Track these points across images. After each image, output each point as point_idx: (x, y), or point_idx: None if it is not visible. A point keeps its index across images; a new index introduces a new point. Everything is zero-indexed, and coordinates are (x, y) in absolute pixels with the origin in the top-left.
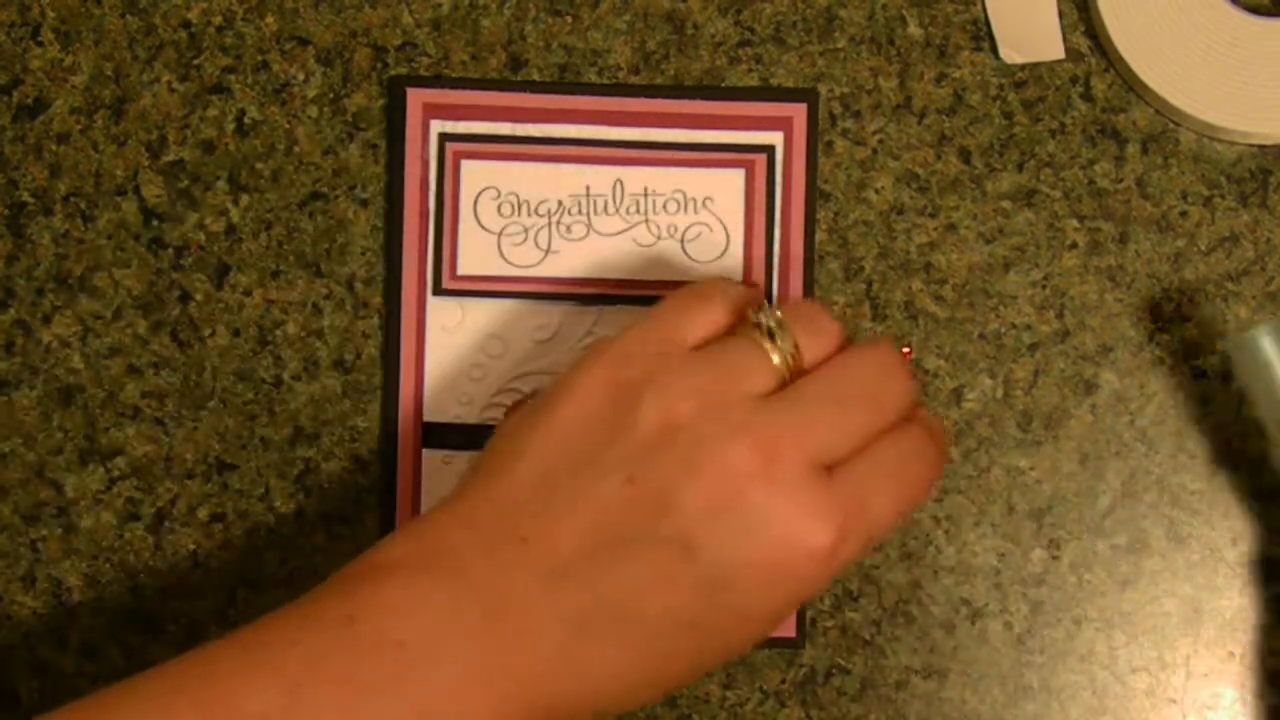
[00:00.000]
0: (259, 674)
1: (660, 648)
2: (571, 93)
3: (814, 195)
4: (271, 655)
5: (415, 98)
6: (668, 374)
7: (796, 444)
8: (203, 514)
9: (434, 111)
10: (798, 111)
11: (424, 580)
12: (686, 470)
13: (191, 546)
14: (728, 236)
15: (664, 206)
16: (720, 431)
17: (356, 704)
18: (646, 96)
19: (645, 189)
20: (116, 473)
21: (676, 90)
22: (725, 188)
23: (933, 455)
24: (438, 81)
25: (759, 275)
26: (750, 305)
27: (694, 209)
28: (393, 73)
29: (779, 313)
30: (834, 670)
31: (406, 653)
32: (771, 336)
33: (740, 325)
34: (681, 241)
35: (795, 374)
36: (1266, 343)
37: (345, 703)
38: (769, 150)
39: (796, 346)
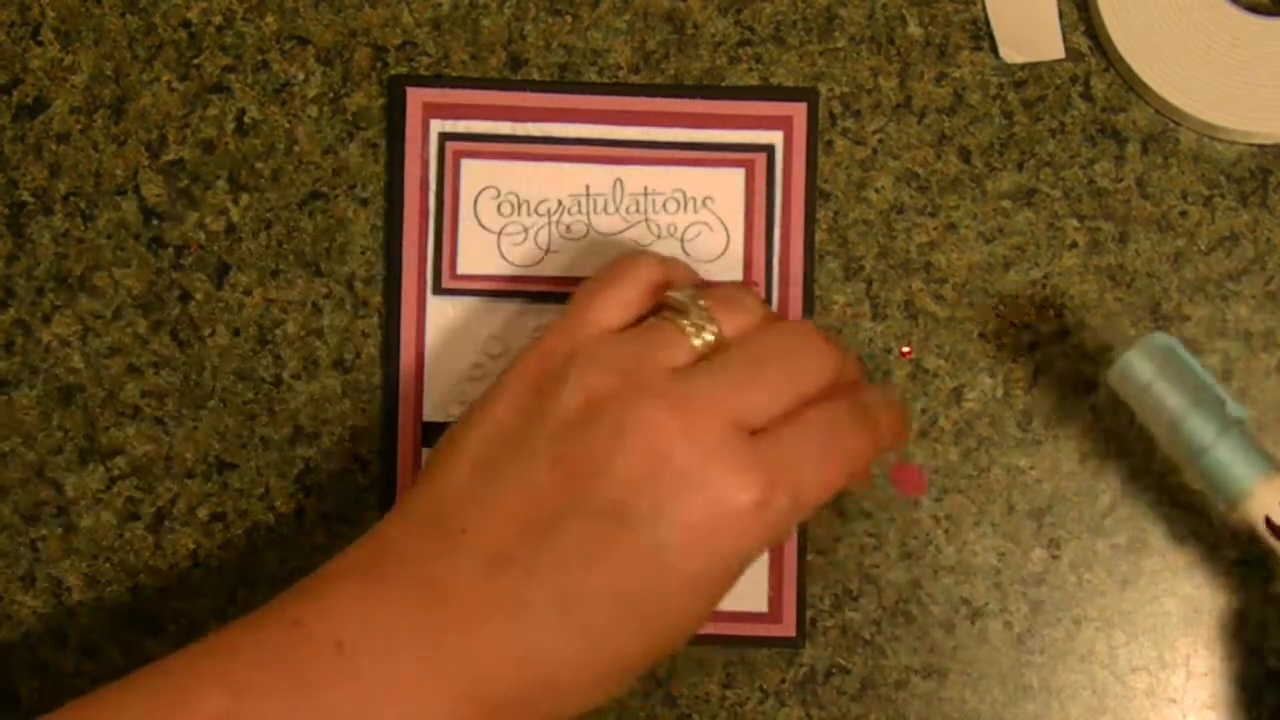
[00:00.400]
0: (205, 680)
1: (607, 626)
2: (571, 92)
3: (814, 194)
4: (218, 662)
5: (415, 97)
6: (587, 356)
7: (715, 406)
8: (203, 514)
9: (434, 111)
10: (798, 111)
11: (368, 582)
12: (611, 441)
13: (191, 546)
14: (728, 236)
15: (664, 206)
16: (640, 400)
17: (298, 704)
18: (646, 95)
19: (645, 188)
20: (116, 472)
21: (676, 89)
22: (725, 187)
23: (868, 428)
24: (438, 81)
25: (759, 274)
26: (669, 279)
27: (694, 208)
28: (393, 72)
29: (697, 291)
30: (834, 670)
31: (345, 652)
32: (687, 313)
33: (661, 306)
34: (681, 241)
35: (715, 350)
36: (1140, 366)
37: (287, 704)
38: (769, 150)
39: (715, 323)
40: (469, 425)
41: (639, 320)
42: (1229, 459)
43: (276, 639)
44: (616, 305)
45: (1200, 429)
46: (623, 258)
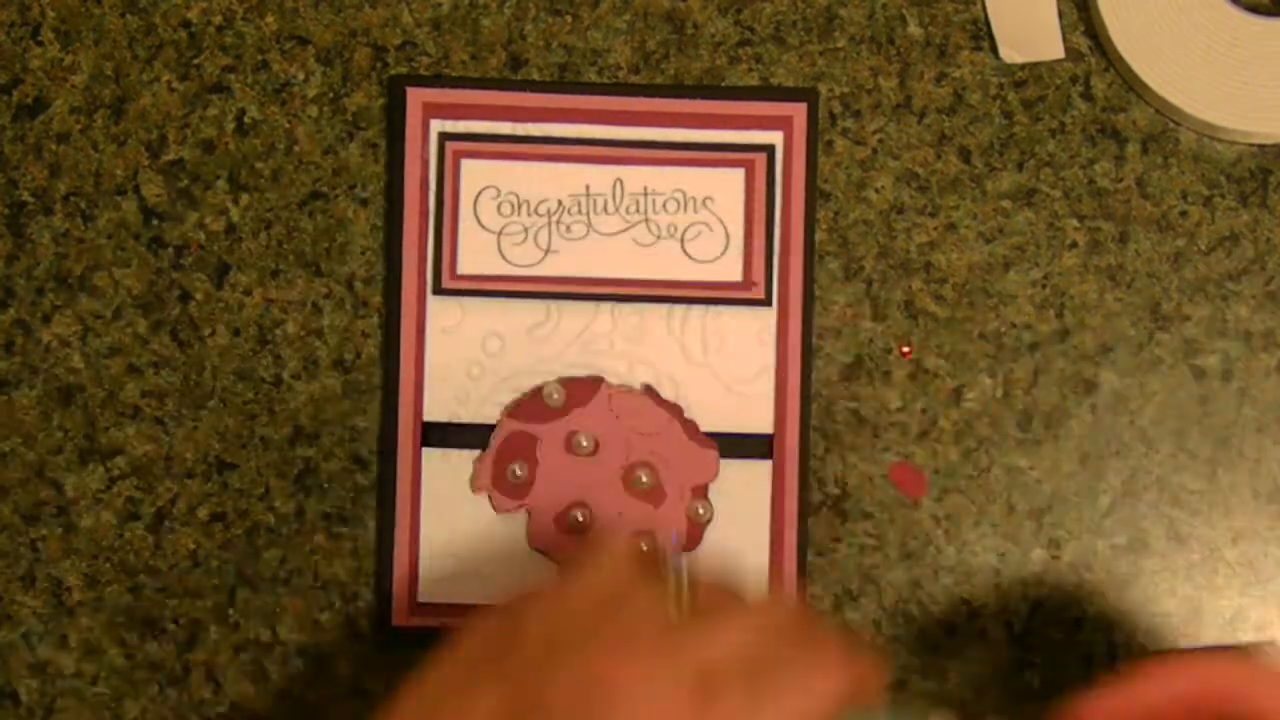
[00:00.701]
0: None
1: None
2: (571, 92)
3: (814, 194)
4: None
5: (415, 97)
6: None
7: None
8: (203, 514)
9: (434, 111)
10: (797, 111)
11: None
12: (559, 670)
13: (191, 546)
14: (727, 235)
15: (664, 206)
16: (607, 643)
17: None
18: (646, 96)
19: (645, 188)
20: (116, 472)
21: (676, 89)
22: (725, 187)
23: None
24: (438, 81)
25: (759, 274)
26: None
27: (694, 208)
28: (393, 72)
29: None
30: None
31: None
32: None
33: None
34: (681, 241)
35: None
36: None
37: None
38: (769, 149)
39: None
40: (435, 661)
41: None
42: None
43: None
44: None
45: None
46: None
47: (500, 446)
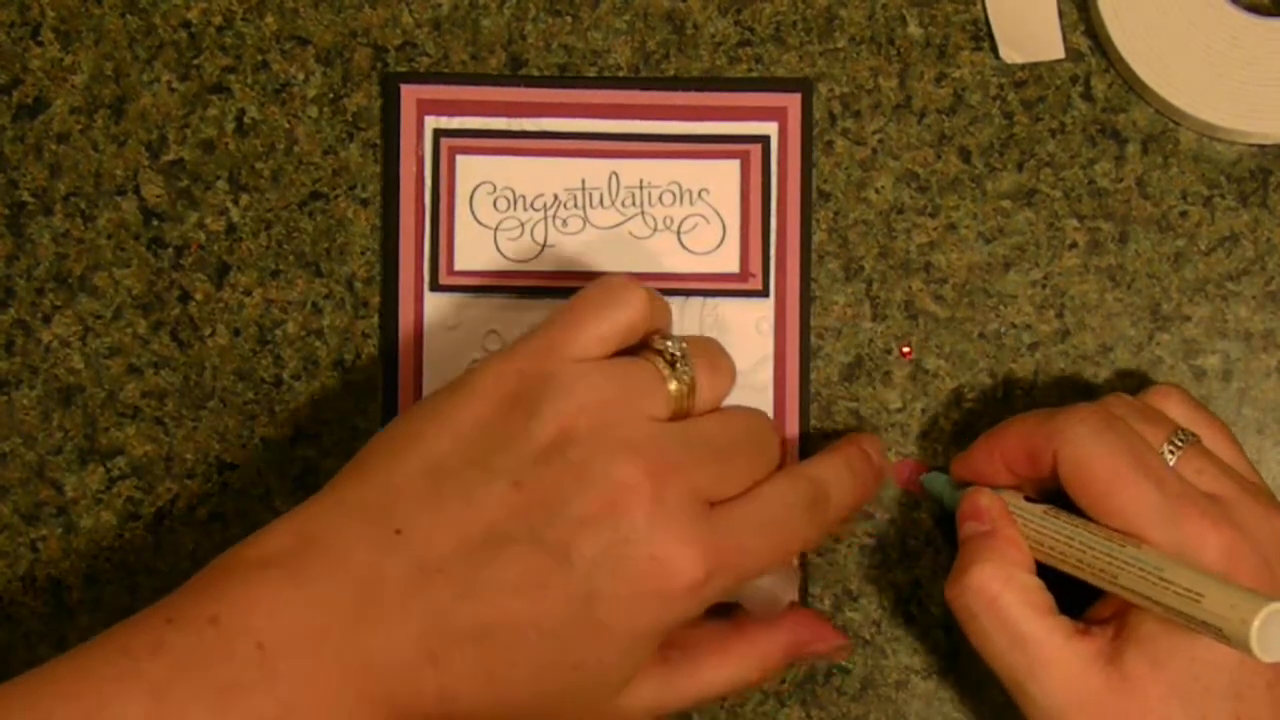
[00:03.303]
0: (126, 683)
1: (517, 655)
2: (565, 86)
3: (810, 184)
4: (139, 661)
5: (410, 94)
6: (563, 387)
7: (685, 474)
8: (202, 514)
9: (428, 108)
10: (792, 101)
11: (290, 577)
12: (575, 480)
13: (191, 546)
14: (724, 227)
15: (660, 198)
16: (613, 448)
17: (219, 707)
18: (641, 89)
19: (641, 181)
20: (116, 472)
21: (670, 82)
22: (721, 178)
23: (819, 512)
24: (432, 78)
25: (755, 265)
26: (653, 318)
27: (690, 200)
28: (392, 72)
29: (684, 343)
30: (834, 670)
31: (265, 654)
32: (674, 364)
33: (645, 348)
34: (678, 233)
35: (690, 405)
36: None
37: (209, 705)
38: (764, 140)
39: (694, 379)
40: (429, 419)
41: (618, 352)
42: None
43: (197, 638)
44: (598, 337)
45: None
46: (611, 282)
47: None
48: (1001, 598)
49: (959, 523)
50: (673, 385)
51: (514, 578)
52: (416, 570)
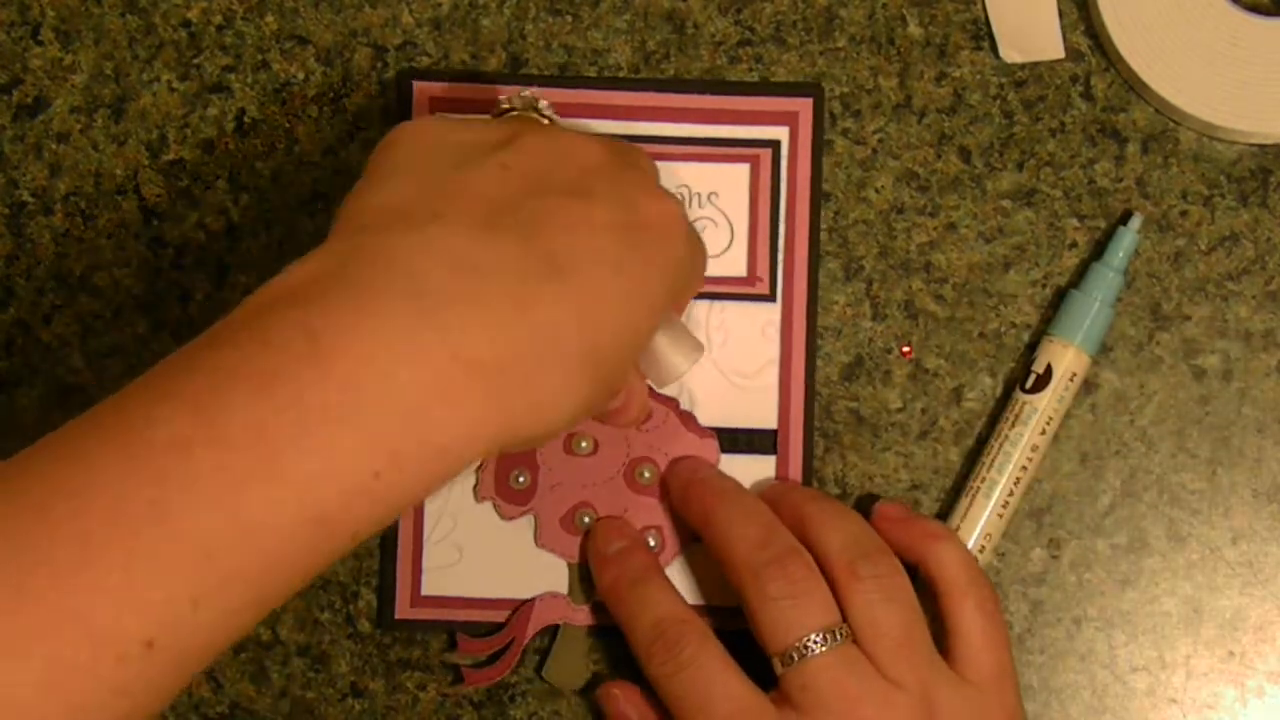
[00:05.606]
0: (165, 399)
1: (594, 293)
2: (576, 87)
3: (819, 190)
4: (177, 379)
5: (422, 91)
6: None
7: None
8: None
9: (440, 105)
10: (803, 106)
11: (336, 283)
12: (552, 156)
13: None
14: (732, 231)
15: None
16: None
17: (265, 405)
18: (652, 91)
19: None
20: None
21: (682, 84)
22: (730, 182)
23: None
24: (444, 75)
25: (763, 269)
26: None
27: (699, 203)
28: (395, 70)
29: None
30: None
31: (319, 343)
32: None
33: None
34: None
35: None
36: None
37: (254, 410)
38: (774, 145)
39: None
40: (390, 151)
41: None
42: None
43: (238, 349)
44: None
45: None
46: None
47: (501, 455)
48: None
49: None
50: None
51: (558, 222)
52: (479, 230)
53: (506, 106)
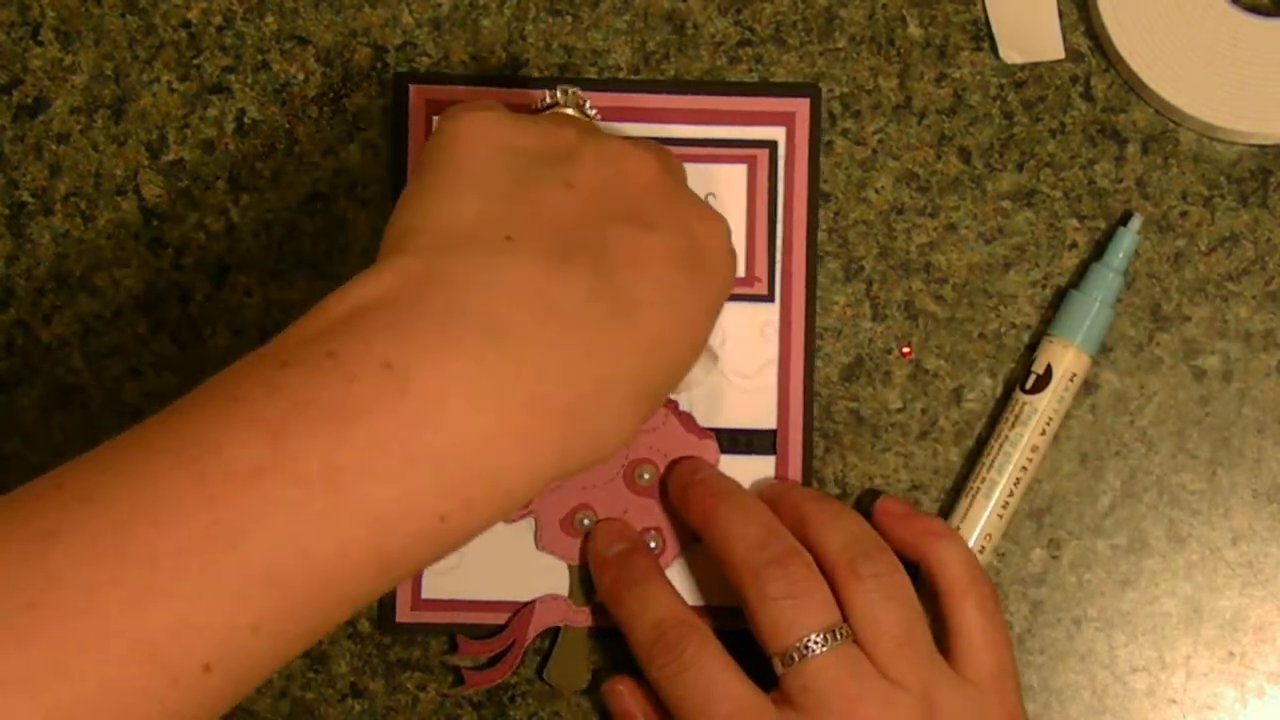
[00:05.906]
0: (241, 427)
1: (656, 333)
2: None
3: (817, 189)
4: (251, 405)
5: (419, 94)
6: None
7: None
8: None
9: (437, 108)
10: (800, 106)
11: (406, 309)
12: (609, 168)
13: None
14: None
15: None
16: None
17: (343, 435)
18: (649, 92)
19: None
20: None
21: (679, 85)
22: (728, 183)
23: None
24: (441, 78)
25: (761, 270)
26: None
27: None
28: (393, 72)
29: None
30: None
31: (394, 372)
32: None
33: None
34: None
35: None
36: None
37: (333, 437)
38: (771, 145)
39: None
40: (449, 151)
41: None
42: None
43: (314, 374)
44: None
45: None
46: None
47: None
48: None
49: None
50: None
51: (624, 253)
52: (549, 262)
53: (551, 101)
